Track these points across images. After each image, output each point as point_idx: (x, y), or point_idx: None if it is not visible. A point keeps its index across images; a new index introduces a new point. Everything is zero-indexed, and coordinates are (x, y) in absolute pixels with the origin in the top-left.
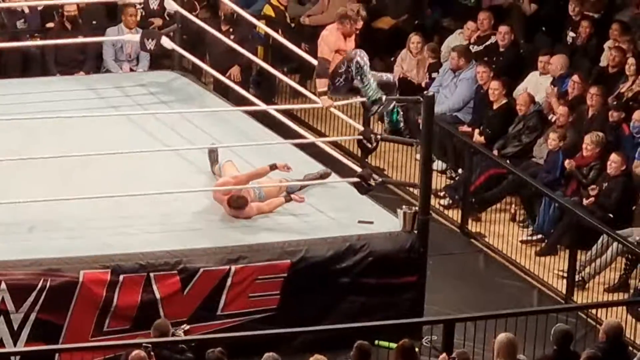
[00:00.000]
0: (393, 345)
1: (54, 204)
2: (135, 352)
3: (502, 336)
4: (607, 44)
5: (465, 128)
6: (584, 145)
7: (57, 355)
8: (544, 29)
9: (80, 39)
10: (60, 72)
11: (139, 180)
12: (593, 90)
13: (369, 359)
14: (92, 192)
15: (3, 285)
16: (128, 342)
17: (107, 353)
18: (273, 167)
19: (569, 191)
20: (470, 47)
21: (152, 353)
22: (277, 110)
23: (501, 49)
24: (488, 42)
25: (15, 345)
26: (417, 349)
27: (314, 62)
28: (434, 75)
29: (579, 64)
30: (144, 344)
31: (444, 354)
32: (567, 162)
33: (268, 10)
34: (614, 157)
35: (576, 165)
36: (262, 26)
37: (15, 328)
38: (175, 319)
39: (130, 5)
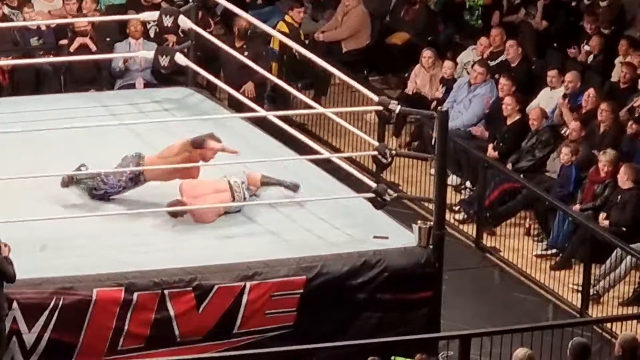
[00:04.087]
0: None
1: (66, 221)
2: None
3: (520, 353)
4: (618, 60)
5: (477, 129)
6: (600, 165)
7: None
8: (555, 45)
9: (94, 56)
10: (74, 90)
11: (152, 197)
12: (603, 106)
13: None
14: (104, 210)
15: (15, 304)
16: None
17: None
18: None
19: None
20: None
21: None
22: (292, 126)
23: (512, 65)
24: (500, 59)
25: None
26: None
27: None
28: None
29: (590, 79)
30: None
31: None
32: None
33: (282, 27)
34: (623, 169)
35: (590, 182)
36: (278, 36)
37: (28, 348)
38: (191, 337)
39: (134, 21)
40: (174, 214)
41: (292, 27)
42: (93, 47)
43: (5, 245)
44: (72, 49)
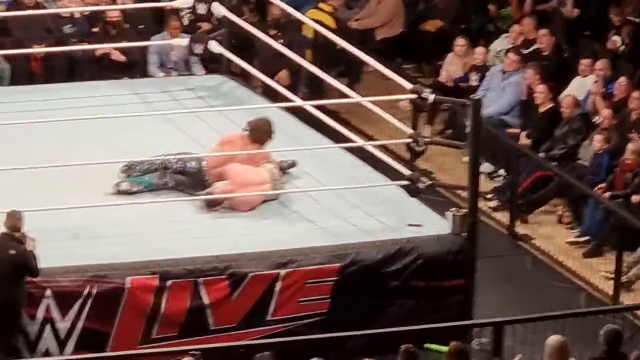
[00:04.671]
0: (443, 348)
1: (100, 209)
2: (185, 359)
3: (553, 340)
4: None
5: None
6: (627, 154)
7: None
8: (587, 33)
9: (124, 44)
10: (107, 77)
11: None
12: (635, 94)
13: None
14: (138, 198)
15: (48, 292)
16: (175, 349)
17: None
18: None
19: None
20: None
21: None
22: (326, 114)
23: (544, 53)
24: (533, 47)
25: (61, 354)
26: None
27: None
28: (473, 76)
29: (622, 68)
30: (191, 352)
31: None
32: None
33: (315, 15)
34: None
35: (621, 170)
36: (311, 24)
37: (62, 337)
38: (224, 325)
39: (174, 18)
40: (213, 204)
41: (325, 15)
42: (122, 58)
43: (33, 240)
44: (98, 53)
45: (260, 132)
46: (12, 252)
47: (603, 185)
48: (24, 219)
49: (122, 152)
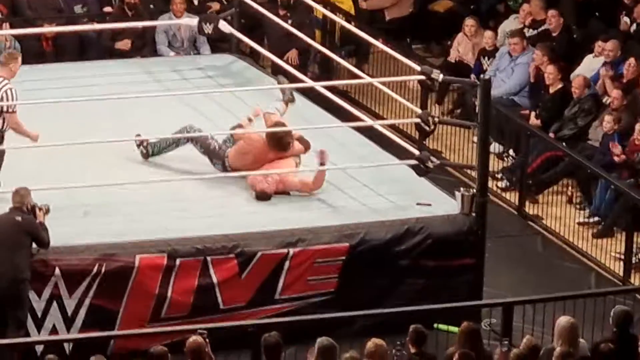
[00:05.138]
0: (452, 328)
1: (109, 188)
2: (192, 338)
3: (563, 321)
4: None
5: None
6: (635, 134)
7: (112, 341)
8: (597, 14)
9: (135, 23)
10: (117, 57)
11: (195, 163)
12: None
13: (424, 341)
14: (148, 176)
15: (57, 270)
16: (183, 328)
17: (163, 339)
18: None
19: (624, 173)
20: (525, 30)
21: (207, 340)
22: (335, 94)
23: (553, 34)
24: (542, 28)
25: (68, 331)
26: None
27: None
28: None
29: (632, 48)
30: (199, 330)
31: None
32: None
33: None
34: None
35: (630, 151)
36: (319, 8)
37: (69, 314)
38: (234, 304)
39: None
40: (262, 196)
41: None
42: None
43: (40, 209)
44: (117, 46)
45: (280, 145)
46: (18, 218)
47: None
48: (31, 194)
49: (134, 130)
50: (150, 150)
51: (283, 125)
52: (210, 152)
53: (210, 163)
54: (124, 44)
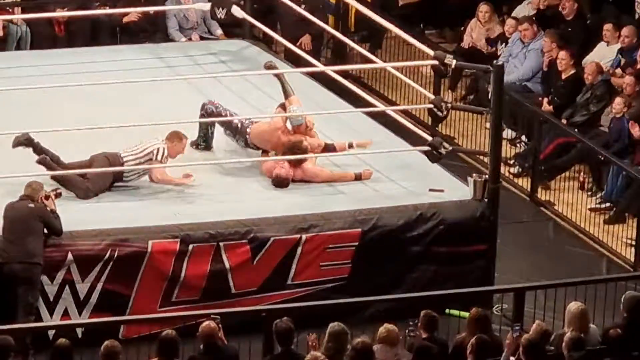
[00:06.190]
0: (464, 314)
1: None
2: (205, 323)
3: (574, 307)
4: None
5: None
6: None
7: (122, 325)
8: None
9: (147, 7)
10: (130, 43)
11: (207, 149)
12: None
13: (436, 327)
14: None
15: (70, 255)
16: (196, 313)
17: (175, 323)
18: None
19: (637, 159)
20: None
21: (220, 325)
22: (348, 79)
23: (567, 19)
24: (555, 12)
25: (80, 315)
26: None
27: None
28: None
29: None
30: (212, 315)
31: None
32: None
33: None
34: None
35: None
36: None
37: (82, 298)
38: (245, 289)
39: None
40: (279, 182)
41: None
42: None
43: (48, 196)
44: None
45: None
46: (30, 205)
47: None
48: (43, 188)
49: (145, 114)
50: (202, 144)
51: (300, 146)
52: (233, 129)
53: (233, 139)
54: (131, 16)
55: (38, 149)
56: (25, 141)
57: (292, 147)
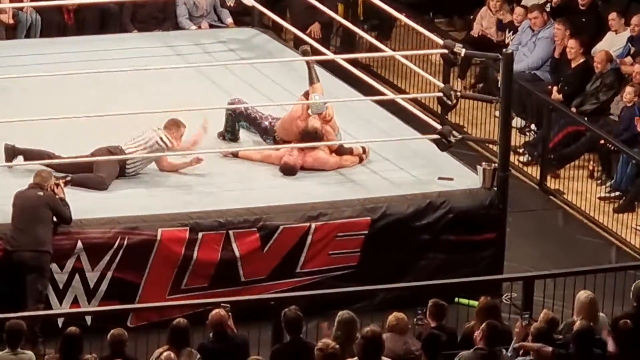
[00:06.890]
0: (473, 302)
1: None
2: (215, 311)
3: (583, 296)
4: None
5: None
6: None
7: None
8: None
9: None
10: (139, 30)
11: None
12: None
13: (444, 315)
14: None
15: (79, 244)
16: (206, 301)
17: (184, 311)
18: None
19: None
20: (549, 4)
21: (229, 314)
22: (357, 68)
23: (581, 7)
24: (567, 2)
25: (89, 303)
26: None
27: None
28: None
29: None
30: (222, 303)
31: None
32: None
33: None
34: None
35: None
36: None
37: (91, 286)
38: (255, 277)
39: None
40: (286, 170)
41: None
42: None
43: (57, 184)
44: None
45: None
46: (40, 193)
47: None
48: (52, 177)
49: (154, 102)
50: (228, 137)
51: (315, 132)
52: (262, 130)
53: (262, 139)
54: None
55: (28, 155)
56: (17, 151)
57: (308, 133)
